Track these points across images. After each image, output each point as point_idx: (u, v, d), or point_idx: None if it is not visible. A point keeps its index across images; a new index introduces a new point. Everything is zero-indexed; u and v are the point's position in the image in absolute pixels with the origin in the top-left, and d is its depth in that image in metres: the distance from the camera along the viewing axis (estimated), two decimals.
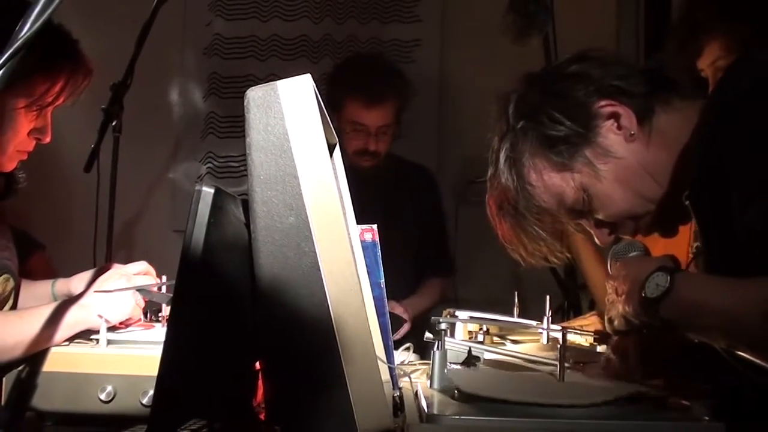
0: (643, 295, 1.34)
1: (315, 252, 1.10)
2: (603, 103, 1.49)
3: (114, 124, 2.90)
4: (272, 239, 1.11)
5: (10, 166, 1.85)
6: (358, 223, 1.54)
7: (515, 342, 1.97)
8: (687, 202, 1.40)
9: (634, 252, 1.52)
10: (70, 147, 3.06)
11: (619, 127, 1.49)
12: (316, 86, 1.17)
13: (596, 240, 1.57)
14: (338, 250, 1.13)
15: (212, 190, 1.11)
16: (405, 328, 3.06)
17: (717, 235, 1.36)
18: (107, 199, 2.93)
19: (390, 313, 1.61)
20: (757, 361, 1.30)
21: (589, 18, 3.73)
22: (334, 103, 3.12)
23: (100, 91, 2.83)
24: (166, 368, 1.09)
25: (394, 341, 2.09)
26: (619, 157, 1.48)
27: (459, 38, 3.89)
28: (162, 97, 3.90)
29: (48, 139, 1.85)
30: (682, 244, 1.58)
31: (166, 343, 1.11)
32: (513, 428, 1.20)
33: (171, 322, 1.14)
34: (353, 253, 1.21)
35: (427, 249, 3.27)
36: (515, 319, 2.07)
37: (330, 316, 1.10)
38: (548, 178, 1.51)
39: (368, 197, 3.01)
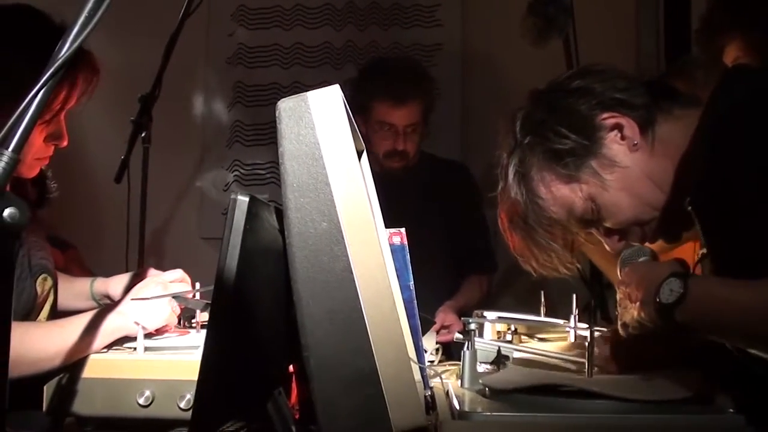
0: (658, 300, 1.36)
1: (347, 256, 1.13)
2: (606, 115, 1.52)
3: (143, 135, 2.96)
4: (306, 244, 1.13)
5: (31, 174, 1.86)
6: (395, 225, 1.56)
7: (543, 340, 1.99)
8: (689, 208, 1.41)
9: (643, 257, 1.54)
10: (102, 159, 3.13)
11: (623, 138, 1.51)
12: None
13: (606, 247, 1.59)
14: (369, 253, 1.15)
15: (247, 199, 1.14)
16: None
17: (720, 240, 1.38)
18: (138, 208, 2.99)
19: (423, 316, 1.63)
20: None
21: (609, 17, 3.74)
22: (361, 106, 3.14)
23: (130, 103, 2.89)
24: (206, 371, 1.12)
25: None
26: (624, 166, 1.50)
27: (480, 42, 3.91)
28: (189, 108, 3.95)
29: (65, 143, 1.84)
30: (689, 250, 1.60)
31: (205, 346, 1.14)
32: (543, 423, 1.23)
33: (210, 326, 1.16)
34: (383, 256, 1.24)
35: (469, 246, 3.25)
36: (542, 318, 2.10)
37: (363, 318, 1.12)
38: (556, 190, 1.54)
39: (405, 198, 3.05)
